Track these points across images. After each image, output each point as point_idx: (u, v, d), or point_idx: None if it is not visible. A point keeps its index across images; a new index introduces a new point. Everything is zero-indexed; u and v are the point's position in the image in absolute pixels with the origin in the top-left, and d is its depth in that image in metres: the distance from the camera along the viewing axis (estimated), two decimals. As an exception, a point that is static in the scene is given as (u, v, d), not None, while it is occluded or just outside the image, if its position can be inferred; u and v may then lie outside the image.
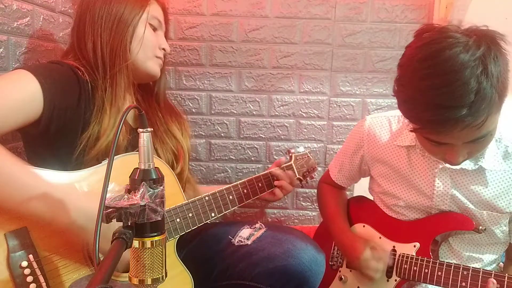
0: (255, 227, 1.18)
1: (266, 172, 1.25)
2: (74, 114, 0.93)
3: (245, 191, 1.16)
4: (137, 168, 0.59)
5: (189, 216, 1.00)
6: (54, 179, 0.82)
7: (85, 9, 1.02)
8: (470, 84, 0.75)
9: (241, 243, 1.13)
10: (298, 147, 1.45)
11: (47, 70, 0.90)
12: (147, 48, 1.05)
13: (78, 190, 0.84)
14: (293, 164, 1.34)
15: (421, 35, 0.85)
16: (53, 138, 0.91)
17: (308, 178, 1.42)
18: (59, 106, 0.89)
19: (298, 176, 1.34)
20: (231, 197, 1.11)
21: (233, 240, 1.14)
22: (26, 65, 1.03)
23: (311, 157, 1.43)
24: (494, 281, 0.93)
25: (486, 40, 0.79)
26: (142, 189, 0.56)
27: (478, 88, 0.76)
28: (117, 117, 0.98)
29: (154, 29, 1.08)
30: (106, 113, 0.97)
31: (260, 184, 1.21)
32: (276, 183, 1.23)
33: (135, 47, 1.03)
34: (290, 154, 1.36)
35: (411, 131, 0.90)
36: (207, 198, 1.05)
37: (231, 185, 1.13)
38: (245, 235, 1.15)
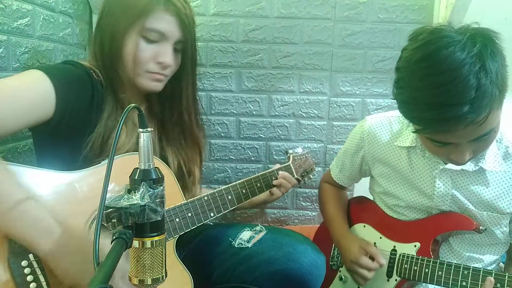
0: (256, 230, 1.18)
1: (264, 172, 1.25)
2: (85, 117, 0.93)
3: (243, 191, 1.16)
4: (137, 168, 0.59)
5: (188, 216, 1.00)
6: (50, 181, 0.81)
7: (100, 14, 1.01)
8: (470, 81, 0.76)
9: (242, 246, 1.13)
10: (297, 147, 1.46)
11: (61, 72, 0.90)
12: (136, 64, 0.98)
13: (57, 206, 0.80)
14: (291, 165, 1.35)
15: (416, 37, 0.86)
16: (62, 138, 0.91)
17: (306, 179, 1.43)
18: (71, 108, 0.89)
19: (296, 177, 1.35)
20: (229, 197, 1.11)
21: (233, 242, 1.14)
22: (41, 66, 1.03)
23: (309, 158, 1.44)
24: (492, 279, 0.93)
25: (481, 37, 0.80)
26: (142, 189, 0.56)
27: (478, 84, 0.76)
28: (133, 132, 0.96)
29: (152, 42, 0.98)
30: (123, 129, 0.95)
31: (258, 185, 1.21)
32: (275, 182, 1.24)
33: (126, 63, 0.98)
34: (288, 155, 1.38)
35: (414, 132, 0.90)
36: (206, 198, 1.05)
37: (230, 185, 1.13)
38: (245, 237, 1.15)
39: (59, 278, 0.75)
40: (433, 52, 0.80)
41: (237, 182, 1.15)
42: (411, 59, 0.84)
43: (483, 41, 0.79)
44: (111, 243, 0.53)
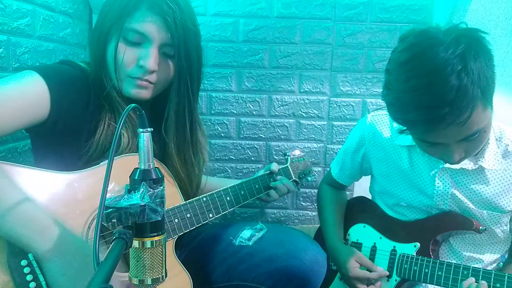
0: (256, 228, 1.18)
1: (263, 173, 1.25)
2: (80, 120, 0.91)
3: (242, 192, 1.16)
4: (137, 168, 0.59)
5: (187, 217, 1.00)
6: (49, 182, 0.81)
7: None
8: (451, 82, 0.77)
9: (242, 244, 1.13)
10: (295, 149, 1.46)
11: (57, 72, 0.89)
12: (117, 68, 0.92)
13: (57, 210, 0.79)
14: (289, 167, 1.35)
15: (404, 39, 0.87)
16: (59, 139, 0.90)
17: (303, 181, 1.44)
18: (66, 110, 0.88)
19: (294, 179, 1.35)
20: (228, 198, 1.11)
21: (234, 241, 1.14)
22: (36, 66, 1.02)
23: (307, 160, 1.45)
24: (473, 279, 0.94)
25: (466, 38, 0.80)
26: (142, 189, 0.56)
27: (459, 85, 0.77)
28: (134, 137, 0.94)
29: (134, 44, 0.91)
30: (123, 135, 0.93)
31: (257, 186, 1.21)
32: (272, 184, 1.24)
33: (109, 66, 0.93)
34: (286, 157, 1.39)
35: (400, 133, 0.92)
36: (204, 199, 1.05)
37: (228, 186, 1.13)
38: (246, 236, 1.15)
39: (57, 280, 0.74)
40: (417, 54, 0.82)
41: (235, 183, 1.16)
42: (397, 61, 0.86)
43: (468, 41, 0.79)
44: (111, 243, 0.53)
